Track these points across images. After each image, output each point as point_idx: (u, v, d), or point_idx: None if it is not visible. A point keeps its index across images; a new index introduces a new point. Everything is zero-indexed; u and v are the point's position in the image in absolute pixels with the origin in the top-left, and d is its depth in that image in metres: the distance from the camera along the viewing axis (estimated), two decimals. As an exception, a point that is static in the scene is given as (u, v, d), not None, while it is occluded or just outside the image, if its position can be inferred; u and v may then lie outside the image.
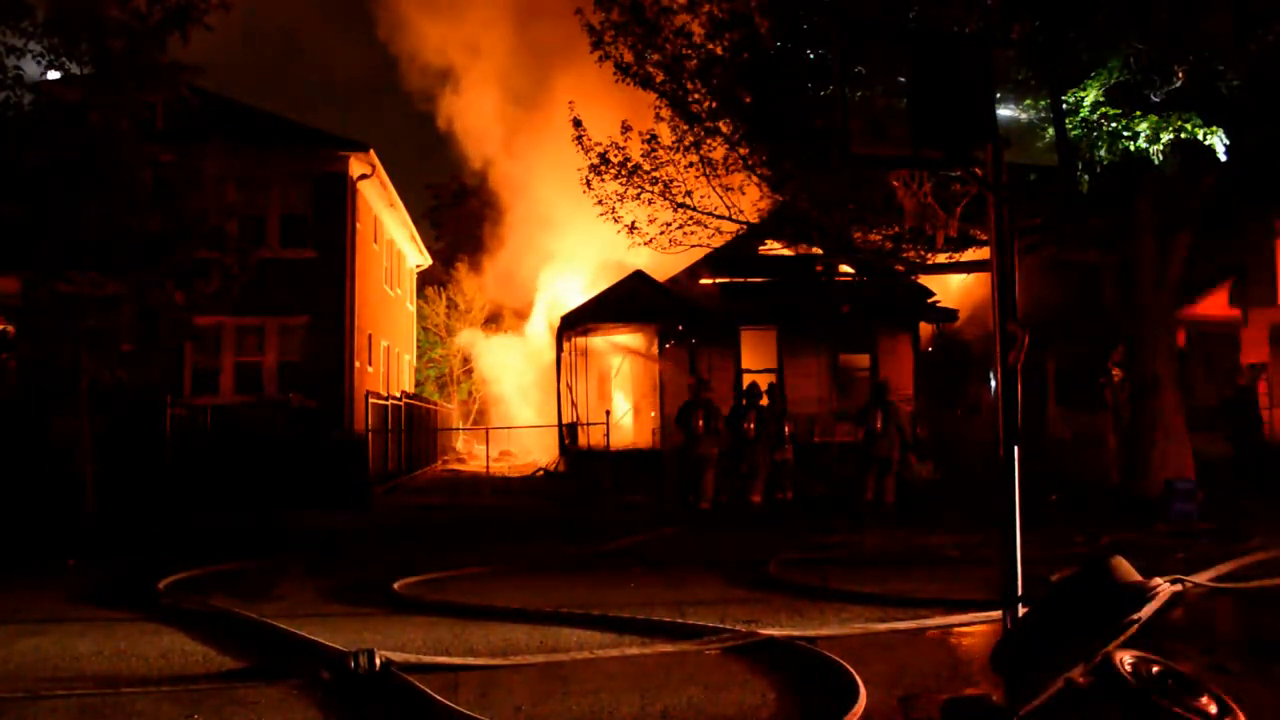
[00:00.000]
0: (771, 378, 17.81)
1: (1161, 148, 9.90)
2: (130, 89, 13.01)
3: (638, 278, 19.98)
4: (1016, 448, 4.36)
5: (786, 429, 14.81)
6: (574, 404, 19.85)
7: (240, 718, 4.69)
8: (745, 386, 15.59)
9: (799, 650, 5.55)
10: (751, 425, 14.63)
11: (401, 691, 4.79)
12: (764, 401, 14.94)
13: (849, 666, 4.97)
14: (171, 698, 4.98)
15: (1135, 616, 3.64)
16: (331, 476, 15.57)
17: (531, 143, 36.28)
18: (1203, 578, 7.11)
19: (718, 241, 15.51)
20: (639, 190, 14.55)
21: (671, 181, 14.43)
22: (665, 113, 13.98)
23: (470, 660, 5.54)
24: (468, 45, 50.20)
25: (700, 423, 14.39)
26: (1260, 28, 10.05)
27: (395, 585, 7.74)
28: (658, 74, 13.70)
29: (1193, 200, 12.39)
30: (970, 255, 14.35)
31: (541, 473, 21.96)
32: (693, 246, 15.26)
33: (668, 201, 14.55)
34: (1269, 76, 10.23)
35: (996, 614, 5.61)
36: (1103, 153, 10.11)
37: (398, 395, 22.80)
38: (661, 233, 14.89)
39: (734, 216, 14.68)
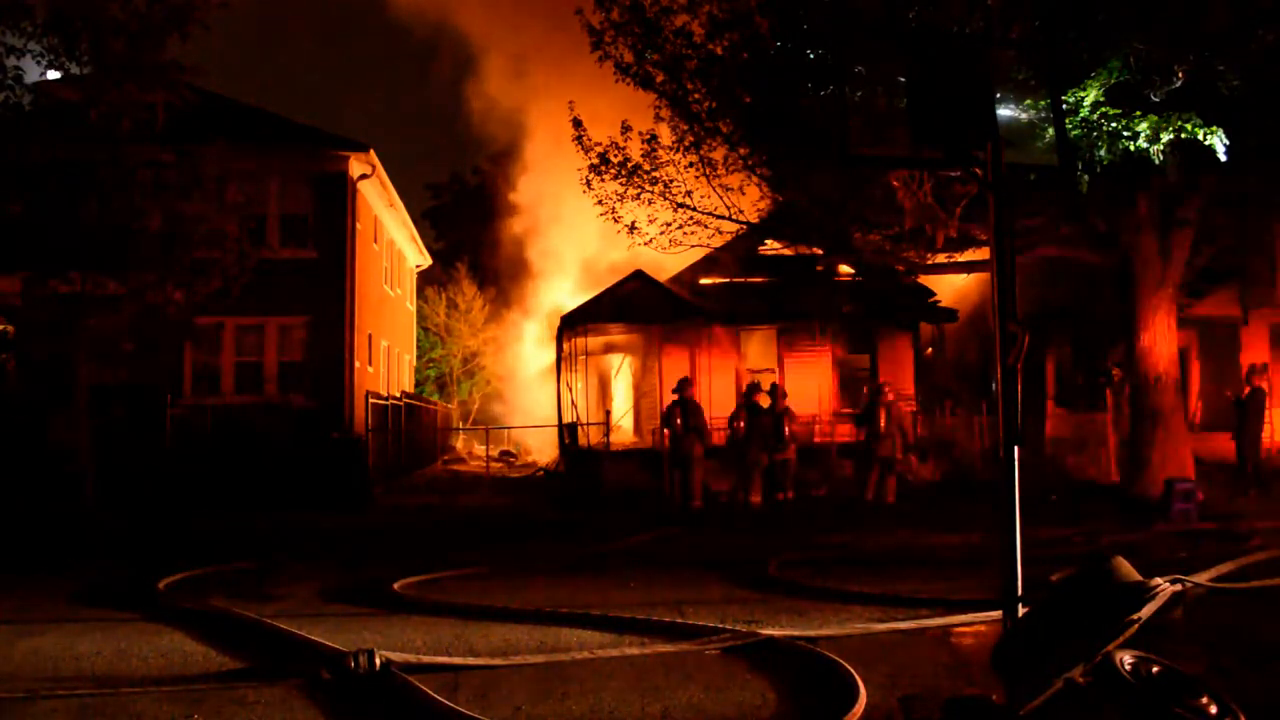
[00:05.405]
0: (772, 377, 17.82)
1: (1161, 148, 9.90)
2: (130, 89, 12.99)
3: (638, 278, 19.99)
4: (1016, 448, 4.36)
5: (787, 429, 14.80)
6: (574, 404, 19.85)
7: (240, 718, 4.70)
8: (745, 386, 15.59)
9: (799, 650, 5.54)
10: (741, 424, 14.59)
11: (401, 691, 4.79)
12: (764, 401, 14.92)
13: (849, 666, 4.97)
14: (171, 698, 4.98)
15: (1135, 616, 3.64)
16: (331, 476, 15.57)
17: (532, 142, 36.38)
18: (1203, 578, 7.10)
19: (718, 241, 15.52)
20: (639, 190, 14.56)
21: (671, 181, 14.44)
22: (665, 113, 13.99)
23: (470, 660, 5.54)
24: (467, 45, 50.25)
25: (679, 421, 14.33)
26: (1260, 27, 10.05)
27: (395, 585, 7.74)
28: (658, 74, 13.70)
29: (1193, 200, 12.39)
30: (970, 255, 14.36)
31: (541, 473, 21.96)
32: (693, 246, 15.27)
33: (668, 201, 14.56)
34: (1269, 76, 10.23)
35: (996, 614, 5.61)
36: (1103, 153, 10.12)
37: (398, 395, 22.80)
38: (661, 233, 14.90)
39: (734, 216, 14.68)
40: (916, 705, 4.53)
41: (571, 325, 19.94)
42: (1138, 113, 9.94)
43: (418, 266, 31.32)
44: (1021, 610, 4.26)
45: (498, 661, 5.49)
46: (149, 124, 13.30)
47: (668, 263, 18.09)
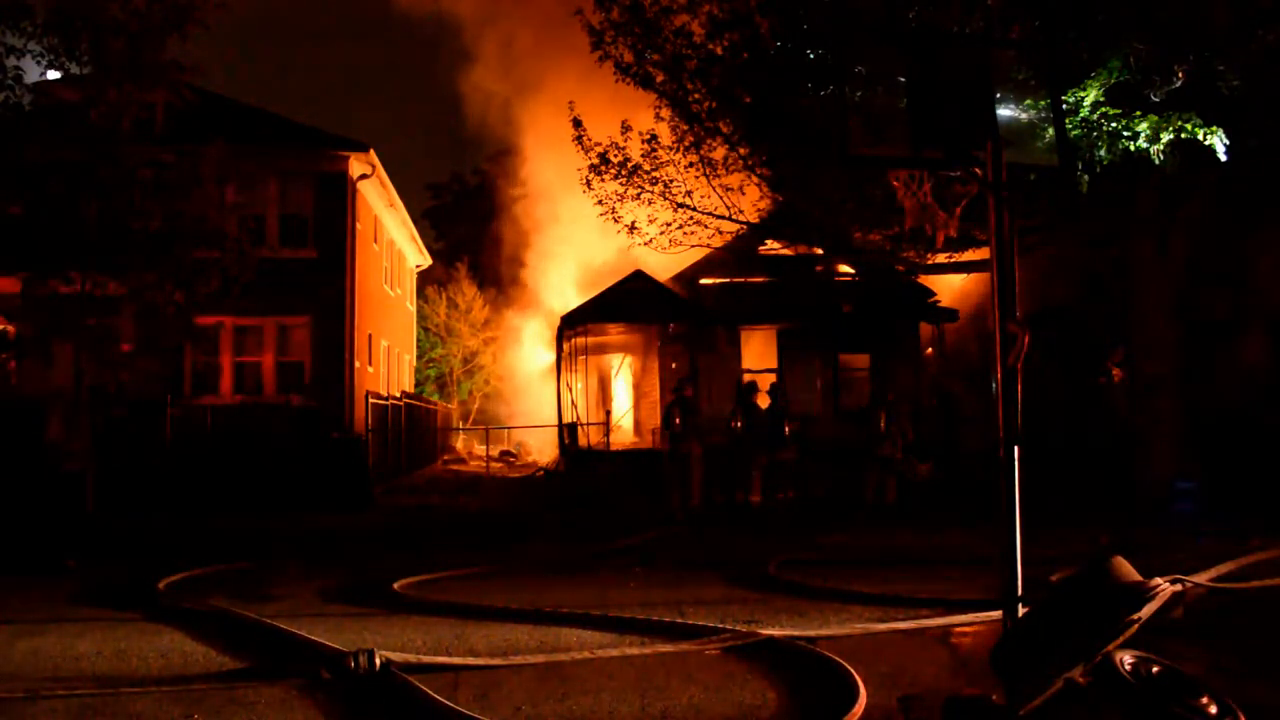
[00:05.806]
0: (772, 378, 17.81)
1: (1161, 148, 9.91)
2: (130, 89, 12.99)
3: (638, 278, 19.99)
4: (1016, 448, 4.36)
5: (787, 429, 14.79)
6: (574, 404, 19.85)
7: (240, 718, 4.69)
8: (743, 385, 15.57)
9: (799, 650, 5.54)
10: (738, 424, 14.57)
11: (401, 691, 4.79)
12: (763, 401, 14.91)
13: (849, 666, 4.97)
14: (171, 698, 4.98)
15: (1135, 616, 3.64)
16: (331, 477, 15.57)
17: (531, 142, 36.38)
18: (1203, 578, 7.10)
19: (718, 241, 15.51)
20: (639, 190, 14.55)
21: (671, 181, 14.43)
22: (665, 113, 13.98)
23: (470, 660, 5.54)
24: (468, 44, 50.26)
25: (678, 421, 14.32)
26: (1260, 27, 10.05)
27: (395, 585, 7.74)
28: (658, 74, 13.70)
29: (1193, 200, 12.39)
30: (970, 255, 14.35)
31: (541, 473, 21.96)
32: (693, 246, 15.26)
33: (668, 201, 14.55)
34: (1269, 76, 10.23)
35: (996, 614, 5.61)
36: (1103, 153, 10.12)
37: (398, 395, 22.81)
38: (661, 233, 14.89)
39: (734, 216, 14.68)
40: (916, 705, 4.53)
41: (571, 325, 19.94)
42: (1138, 113, 9.94)
43: (418, 266, 31.33)
44: (1021, 610, 4.26)
45: (498, 661, 5.49)
46: (149, 124, 13.31)
47: (668, 263, 18.09)
